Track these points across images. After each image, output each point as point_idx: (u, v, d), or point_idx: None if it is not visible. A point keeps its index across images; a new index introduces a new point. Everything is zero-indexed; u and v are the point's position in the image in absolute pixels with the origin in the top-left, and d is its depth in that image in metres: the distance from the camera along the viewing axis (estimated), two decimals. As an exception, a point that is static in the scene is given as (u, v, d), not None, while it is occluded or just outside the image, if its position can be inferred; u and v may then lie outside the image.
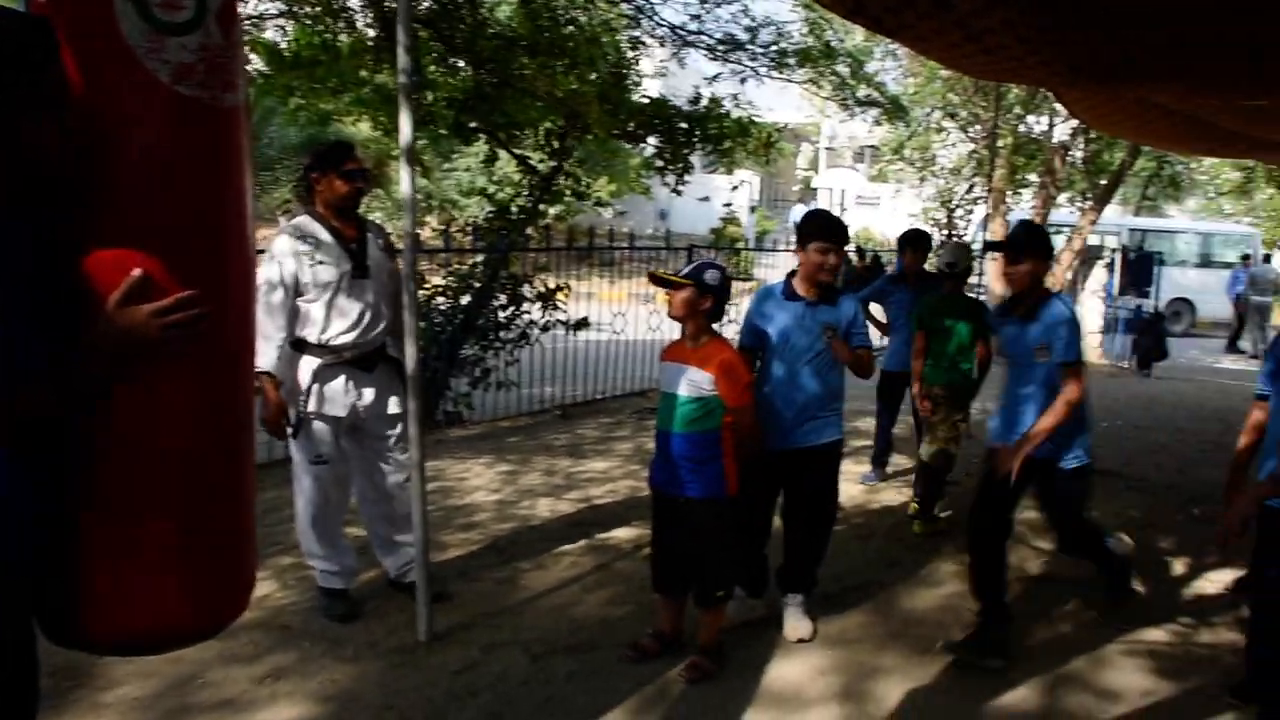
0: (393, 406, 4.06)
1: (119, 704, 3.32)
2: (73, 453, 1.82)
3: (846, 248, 4.17)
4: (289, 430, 3.89)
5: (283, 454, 6.39)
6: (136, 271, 1.74)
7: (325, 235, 3.89)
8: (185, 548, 1.90)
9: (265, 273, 3.83)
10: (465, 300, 8.52)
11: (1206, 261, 20.85)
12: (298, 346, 3.89)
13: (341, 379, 3.93)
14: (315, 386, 3.90)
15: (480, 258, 8.71)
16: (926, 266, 6.36)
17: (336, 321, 3.89)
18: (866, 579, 4.74)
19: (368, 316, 3.92)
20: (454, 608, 4.19)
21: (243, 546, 2.09)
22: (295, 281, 3.83)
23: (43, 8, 1.76)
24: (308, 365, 3.89)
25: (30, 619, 1.89)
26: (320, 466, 3.96)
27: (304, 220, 3.95)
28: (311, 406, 3.90)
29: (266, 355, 3.77)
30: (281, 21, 8.86)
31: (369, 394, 3.97)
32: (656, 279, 3.65)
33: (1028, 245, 4.02)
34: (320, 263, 3.85)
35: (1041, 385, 4.02)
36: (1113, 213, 15.05)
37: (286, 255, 3.83)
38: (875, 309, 6.58)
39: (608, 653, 3.83)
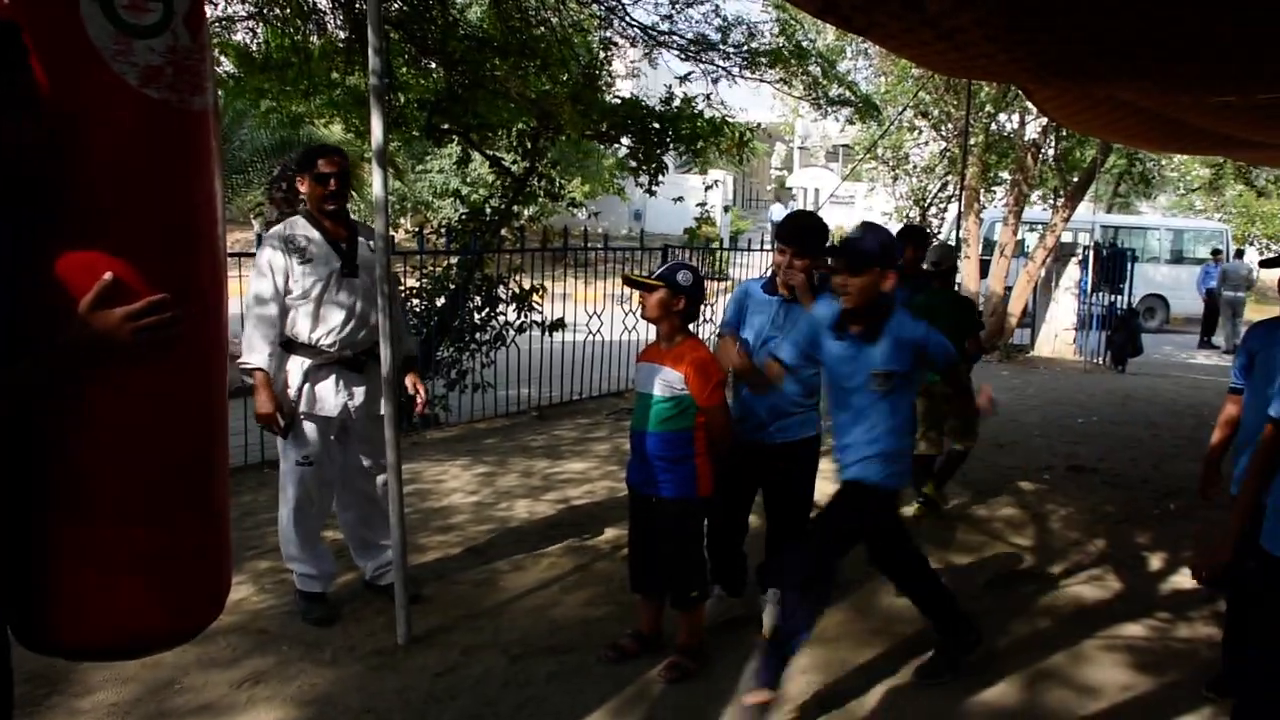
0: (382, 407, 4.05)
1: (95, 710, 3.28)
2: (43, 456, 1.80)
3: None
4: (280, 427, 3.88)
5: (259, 458, 6.36)
6: (108, 275, 1.73)
7: (315, 234, 3.92)
8: (158, 551, 1.89)
9: (256, 271, 3.87)
10: (440, 302, 8.49)
11: (1179, 258, 21.05)
12: (287, 346, 3.90)
13: (332, 379, 3.93)
14: (306, 386, 3.90)
15: (455, 259, 8.68)
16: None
17: (326, 321, 3.90)
18: (845, 578, 4.72)
19: (357, 316, 3.91)
20: (432, 610, 4.17)
21: (217, 550, 2.07)
22: (285, 279, 3.84)
23: (6, 9, 1.74)
24: (298, 365, 3.89)
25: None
26: (306, 468, 3.94)
27: (295, 220, 3.99)
28: (302, 407, 3.90)
29: (259, 352, 3.80)
30: (251, 24, 8.80)
31: (359, 393, 3.96)
32: (630, 281, 3.65)
33: (871, 254, 3.39)
34: (309, 260, 3.87)
35: (871, 412, 3.43)
36: (1085, 210, 15.18)
37: (276, 253, 3.86)
38: None
39: (587, 654, 3.82)
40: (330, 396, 3.92)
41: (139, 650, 2.06)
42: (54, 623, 1.89)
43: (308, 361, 3.90)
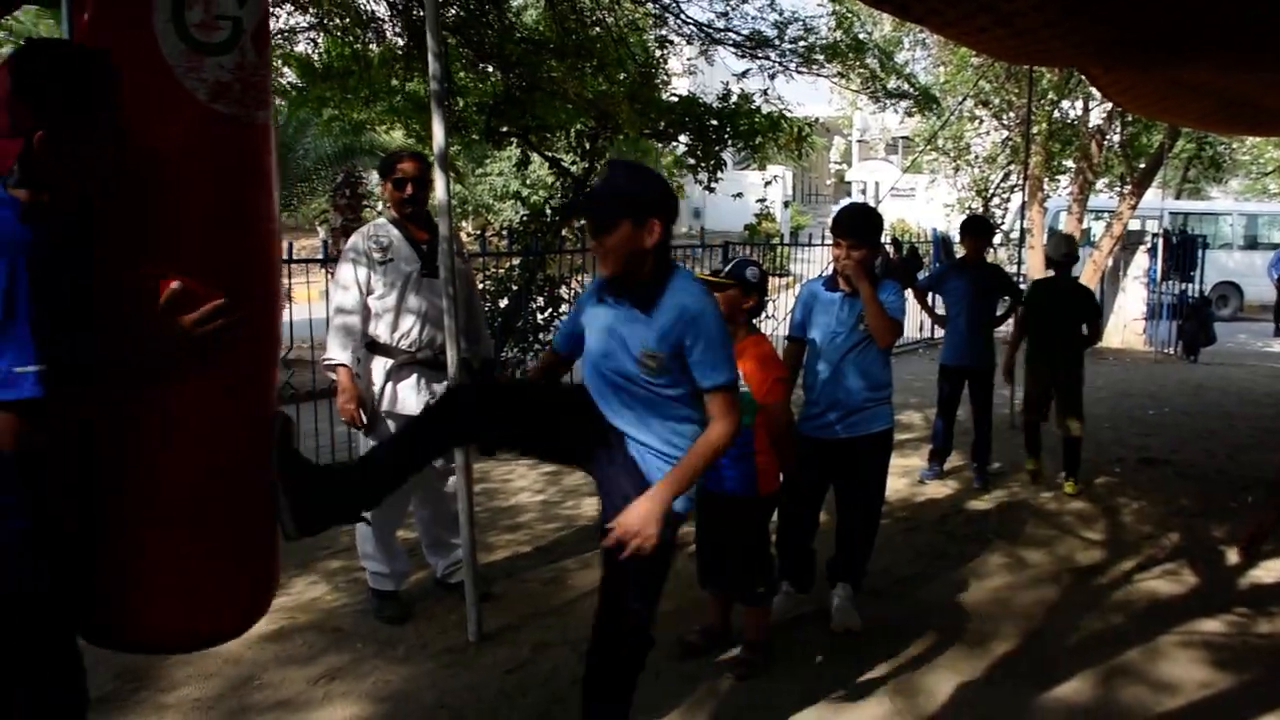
0: None
1: (180, 705, 3.38)
2: (117, 460, 1.86)
3: (884, 241, 4.14)
4: (364, 422, 3.96)
5: (330, 459, 6.47)
6: (175, 284, 1.79)
7: (397, 235, 4.02)
8: (214, 552, 1.95)
9: (340, 271, 3.99)
10: (503, 304, 8.57)
11: (1252, 243, 20.51)
12: (370, 347, 3.99)
13: (414, 378, 4.01)
14: (388, 386, 3.98)
15: (517, 261, 8.76)
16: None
17: (406, 321, 3.98)
18: (913, 572, 4.72)
19: (436, 317, 3.98)
20: (502, 608, 4.22)
21: (267, 551, 2.13)
22: (368, 279, 3.95)
23: (85, 27, 1.80)
24: (380, 365, 3.99)
25: (60, 617, 1.91)
26: None
27: (379, 222, 4.12)
28: (384, 405, 3.98)
29: (341, 348, 3.91)
30: (313, 34, 8.95)
31: (440, 392, 4.02)
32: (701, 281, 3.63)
33: (614, 202, 2.58)
34: (391, 261, 3.97)
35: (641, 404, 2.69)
36: (1153, 196, 14.85)
37: (359, 254, 3.97)
38: (927, 300, 6.60)
39: (656, 649, 3.82)
40: (412, 396, 4.00)
41: (198, 645, 2.13)
42: (131, 621, 1.95)
43: (389, 361, 3.98)
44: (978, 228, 6.43)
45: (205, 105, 1.83)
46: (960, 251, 6.79)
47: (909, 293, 4.90)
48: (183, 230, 1.85)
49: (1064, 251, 6.24)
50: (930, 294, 6.60)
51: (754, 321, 3.72)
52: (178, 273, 1.82)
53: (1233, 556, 5.02)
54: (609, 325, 2.71)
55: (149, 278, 1.81)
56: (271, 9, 8.11)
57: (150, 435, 1.87)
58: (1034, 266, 13.73)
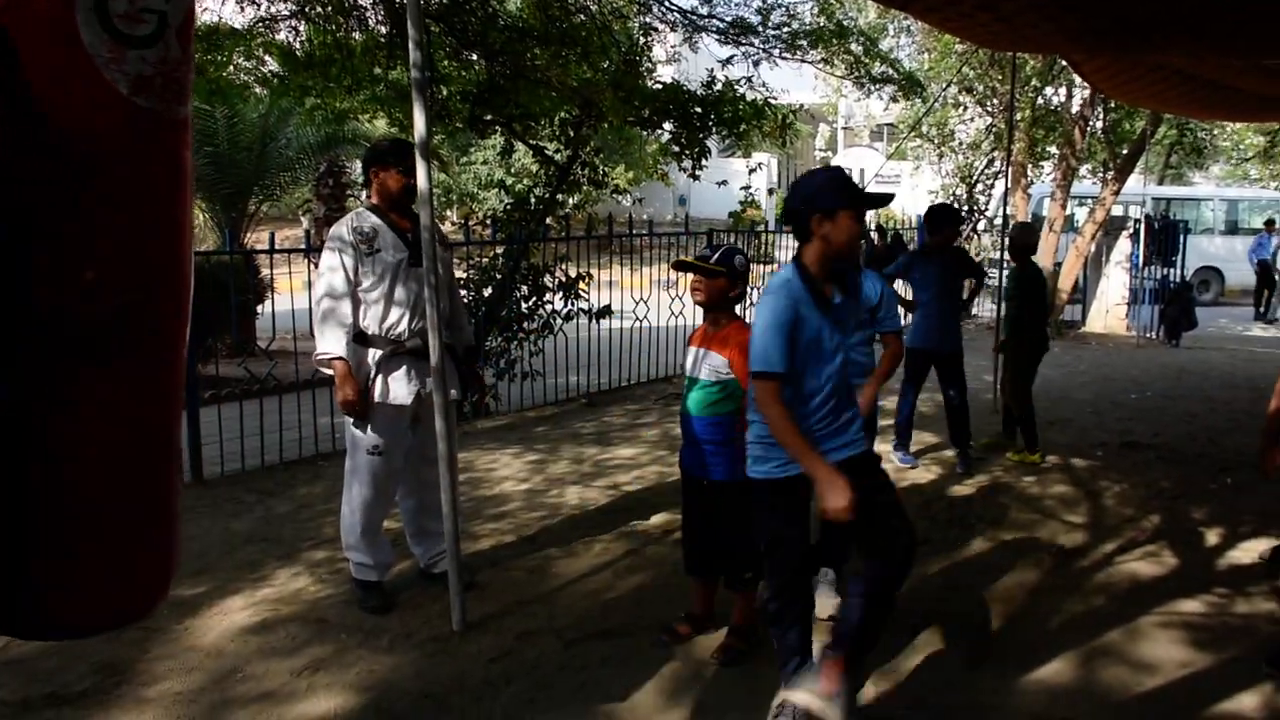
0: (451, 395, 4.12)
1: (162, 698, 3.37)
2: (22, 445, 1.87)
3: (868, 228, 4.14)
4: (365, 414, 3.96)
5: (313, 451, 6.47)
6: (90, 274, 1.79)
7: (382, 226, 4.00)
8: (115, 536, 1.96)
9: (325, 278, 3.94)
10: (487, 292, 8.55)
11: (1233, 229, 20.63)
12: (360, 339, 3.97)
13: (404, 368, 4.01)
14: (380, 377, 3.97)
15: (501, 250, 8.74)
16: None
17: (395, 311, 3.98)
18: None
19: (425, 305, 3.97)
20: (487, 597, 4.22)
21: (167, 534, 2.14)
22: (355, 271, 3.93)
23: (5, 9, 1.78)
24: (370, 356, 3.98)
25: None
26: (377, 459, 4.02)
27: (361, 213, 4.08)
28: (376, 397, 3.97)
29: (336, 341, 3.88)
30: (294, 22, 8.89)
31: (430, 383, 4.01)
32: (689, 266, 3.62)
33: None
34: (377, 252, 3.95)
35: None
36: (1135, 182, 14.89)
37: (346, 246, 3.94)
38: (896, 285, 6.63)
39: (641, 637, 3.85)
40: (403, 386, 4.00)
41: (98, 629, 2.15)
42: (42, 606, 1.96)
43: (379, 352, 3.98)
44: (939, 219, 6.49)
45: (126, 98, 1.83)
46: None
47: None
48: (97, 221, 1.85)
49: (1020, 241, 6.69)
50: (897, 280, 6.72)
51: (736, 309, 3.72)
52: (91, 262, 1.82)
53: (1212, 538, 5.07)
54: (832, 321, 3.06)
55: (63, 267, 1.81)
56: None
57: (54, 423, 1.88)
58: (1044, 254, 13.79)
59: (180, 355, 2.10)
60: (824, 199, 2.97)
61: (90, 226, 1.84)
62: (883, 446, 6.48)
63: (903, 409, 6.59)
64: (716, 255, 3.60)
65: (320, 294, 3.94)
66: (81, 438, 1.89)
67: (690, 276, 3.63)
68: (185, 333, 2.11)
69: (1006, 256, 7.00)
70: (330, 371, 3.91)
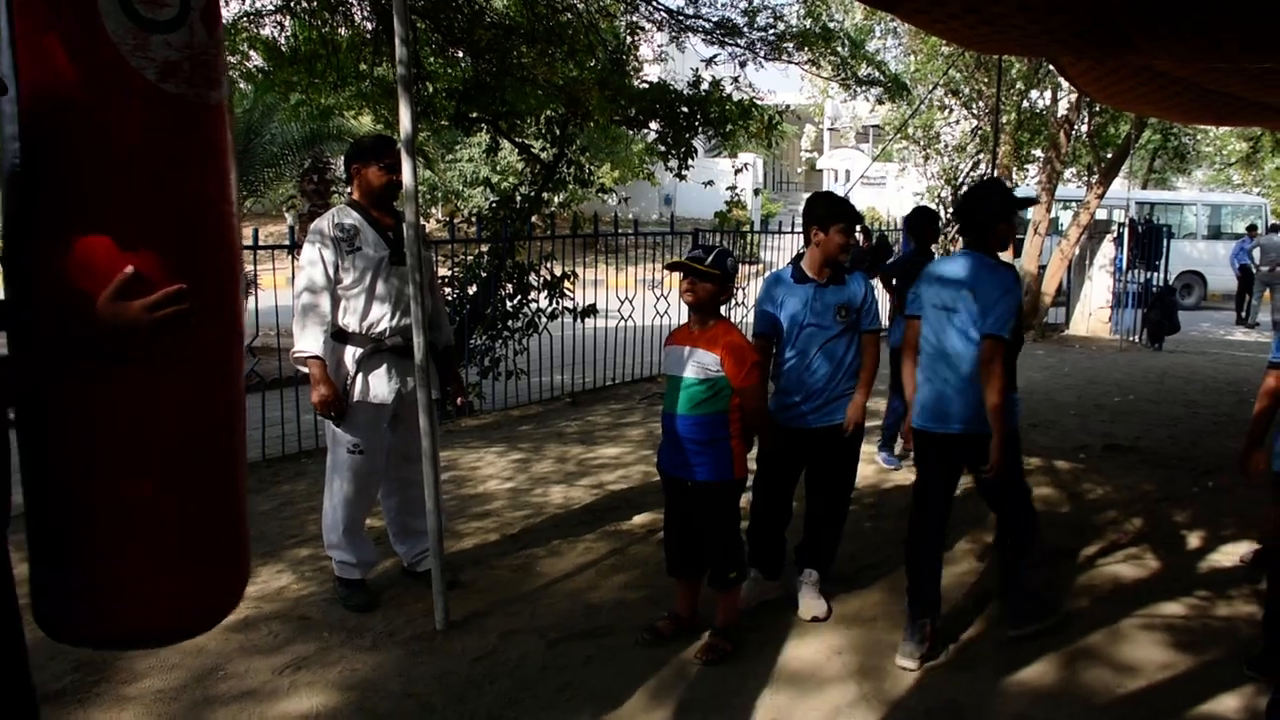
0: (434, 390, 4.10)
1: (143, 696, 3.34)
2: (63, 449, 1.83)
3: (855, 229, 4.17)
4: (340, 415, 3.93)
5: (296, 449, 6.43)
6: (129, 269, 1.75)
7: (364, 223, 3.97)
8: (182, 542, 1.91)
9: (306, 271, 3.90)
10: (472, 290, 8.53)
11: (1216, 233, 20.78)
12: (339, 336, 3.93)
13: (384, 367, 3.98)
14: (360, 375, 3.94)
15: (486, 248, 8.72)
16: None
17: (377, 309, 3.95)
18: (880, 558, 4.74)
19: (406, 303, 3.94)
20: (470, 596, 4.21)
21: (238, 540, 2.09)
22: (335, 268, 3.89)
23: (26, 2, 1.75)
24: (350, 354, 3.94)
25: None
26: (357, 456, 3.99)
27: (342, 209, 4.03)
28: (356, 395, 3.94)
29: (314, 339, 3.84)
30: (279, 17, 8.85)
31: (411, 380, 3.98)
32: (682, 266, 3.60)
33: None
34: (359, 249, 3.91)
35: None
36: (1120, 186, 14.98)
37: (326, 241, 3.90)
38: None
39: (624, 637, 3.84)
40: (384, 384, 3.97)
41: (167, 639, 2.09)
42: (83, 614, 1.91)
43: (359, 350, 3.95)
44: (919, 222, 6.61)
45: (154, 85, 1.79)
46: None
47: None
48: (133, 214, 1.81)
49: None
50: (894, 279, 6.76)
51: (722, 309, 3.72)
52: (132, 258, 1.78)
53: (1194, 541, 5.09)
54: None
55: (98, 261, 1.77)
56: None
57: (108, 426, 1.83)
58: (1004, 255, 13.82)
59: (234, 351, 2.05)
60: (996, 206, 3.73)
61: (127, 218, 1.80)
62: (868, 447, 6.50)
63: (892, 412, 6.60)
64: (711, 257, 3.59)
65: (300, 288, 3.90)
66: (122, 440, 1.84)
67: (680, 276, 3.63)
68: (239, 327, 2.07)
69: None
70: (307, 369, 3.88)
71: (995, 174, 11.68)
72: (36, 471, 1.85)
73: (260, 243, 6.73)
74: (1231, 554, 4.85)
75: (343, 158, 4.24)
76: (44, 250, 1.76)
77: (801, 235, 4.14)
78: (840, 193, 4.56)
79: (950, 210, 15.97)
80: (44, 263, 1.76)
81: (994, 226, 3.69)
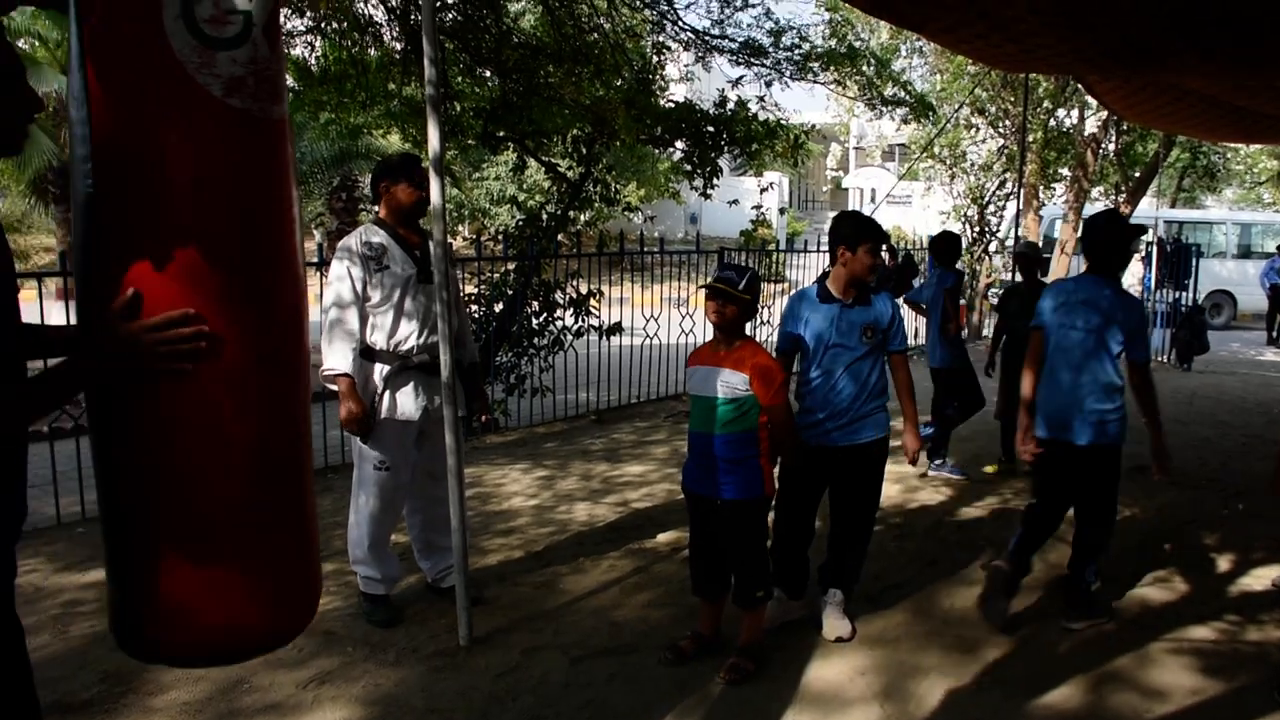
0: (460, 408, 4.12)
1: (169, 708, 3.37)
2: (131, 462, 1.84)
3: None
4: (367, 432, 3.95)
5: (321, 464, 6.47)
6: (130, 290, 1.75)
7: (391, 241, 3.99)
8: (257, 554, 1.92)
9: (334, 287, 3.93)
10: (498, 308, 8.57)
11: (1246, 252, 20.57)
12: (366, 354, 3.96)
13: (412, 384, 4.00)
14: (387, 392, 3.97)
15: (512, 265, 8.77)
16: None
17: (404, 326, 3.97)
18: (905, 578, 4.72)
19: (433, 321, 3.97)
20: (494, 612, 4.22)
21: (310, 550, 2.10)
22: (364, 286, 3.92)
23: (94, 27, 1.79)
24: (378, 371, 3.97)
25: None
26: (384, 473, 4.01)
27: (369, 228, 4.06)
28: (383, 412, 3.96)
29: (342, 357, 3.87)
30: (310, 38, 8.97)
31: (437, 399, 4.01)
32: (713, 290, 3.60)
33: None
34: (386, 268, 3.94)
35: None
36: (1148, 205, 14.89)
37: (355, 259, 3.93)
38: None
39: (647, 655, 3.84)
40: (411, 401, 4.00)
41: (244, 653, 2.08)
42: (156, 630, 1.91)
43: (387, 368, 3.97)
44: (943, 245, 6.94)
45: (220, 101, 1.82)
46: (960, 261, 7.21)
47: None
48: (204, 230, 1.83)
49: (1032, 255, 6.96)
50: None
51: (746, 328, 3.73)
52: (201, 273, 1.80)
53: (1223, 564, 5.03)
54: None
55: (160, 281, 1.79)
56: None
57: (170, 437, 1.84)
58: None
59: (300, 368, 2.06)
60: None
61: (198, 234, 1.82)
62: (899, 467, 6.47)
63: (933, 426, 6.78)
64: (744, 281, 3.59)
65: (328, 303, 3.94)
66: (182, 454, 1.85)
67: (705, 296, 3.63)
68: (303, 346, 2.08)
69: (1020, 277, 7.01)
70: (335, 387, 3.91)
71: (1022, 193, 11.64)
72: (111, 484, 1.86)
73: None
74: (1262, 577, 4.79)
75: (370, 176, 4.27)
76: (115, 271, 1.79)
77: (826, 254, 4.13)
78: (866, 212, 4.56)
79: (975, 229, 15.93)
80: (115, 283, 1.78)
81: (1119, 253, 4.14)
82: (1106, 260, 4.13)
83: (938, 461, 6.75)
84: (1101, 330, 4.02)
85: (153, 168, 1.78)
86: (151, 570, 1.86)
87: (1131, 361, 4.07)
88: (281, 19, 2.03)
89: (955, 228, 16.50)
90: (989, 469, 6.90)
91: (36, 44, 13.97)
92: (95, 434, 1.86)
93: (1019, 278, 7.01)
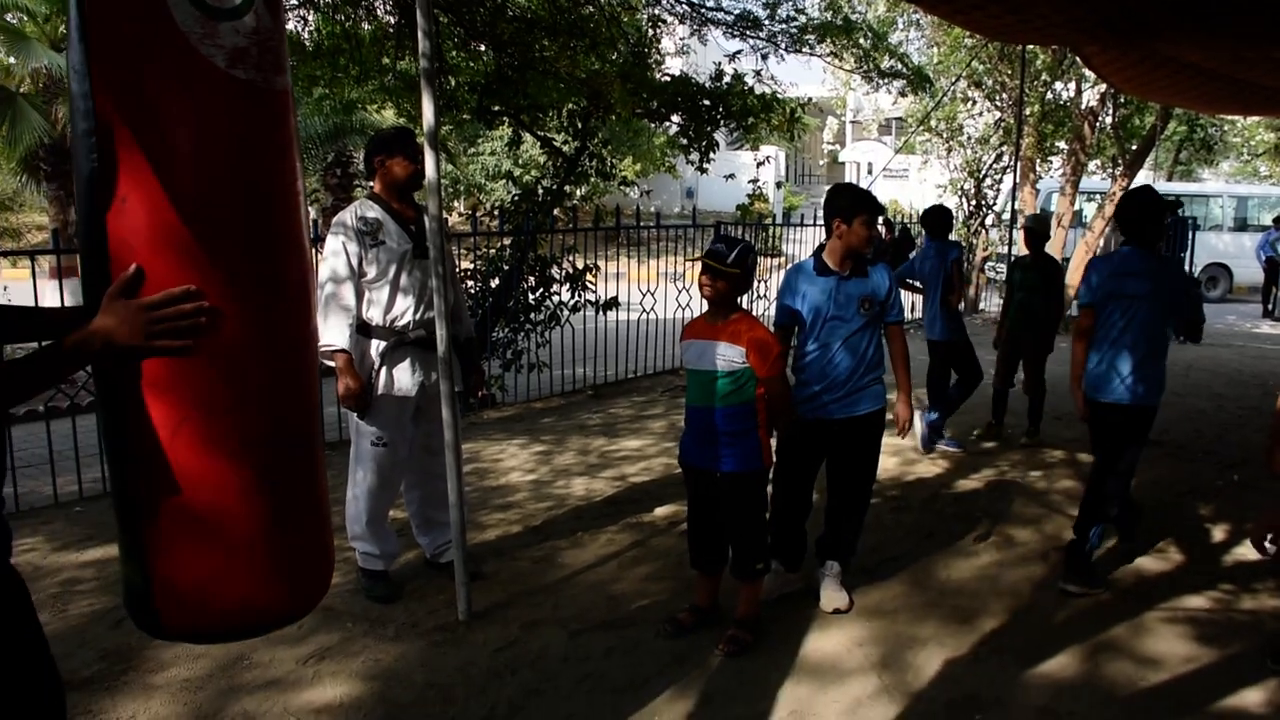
0: (456, 383, 4.11)
1: (169, 685, 3.38)
2: (142, 440, 1.83)
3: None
4: (365, 408, 3.95)
5: (327, 439, 6.47)
6: (133, 267, 1.74)
7: (386, 216, 3.97)
8: (269, 530, 1.92)
9: (329, 261, 3.92)
10: (494, 283, 8.56)
11: (1242, 225, 20.55)
12: (363, 330, 3.95)
13: (408, 360, 4.00)
14: (383, 368, 3.96)
15: (508, 241, 8.74)
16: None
17: (400, 302, 3.96)
18: (902, 550, 4.74)
19: (429, 297, 3.95)
20: (492, 587, 4.23)
21: (322, 525, 2.10)
22: (359, 262, 3.90)
23: (96, 2, 1.76)
24: (374, 347, 3.96)
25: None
26: (381, 449, 4.01)
27: (364, 202, 4.03)
28: (380, 389, 3.96)
29: (339, 332, 3.85)
30: (302, 11, 8.89)
31: (434, 374, 4.00)
32: (709, 267, 3.59)
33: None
34: (382, 243, 3.92)
35: None
36: (1145, 178, 14.86)
37: (350, 233, 3.91)
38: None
39: (645, 628, 3.86)
40: (407, 377, 3.99)
41: (258, 629, 2.08)
42: (170, 605, 1.91)
43: (383, 343, 3.96)
44: (933, 219, 6.97)
45: (224, 71, 1.80)
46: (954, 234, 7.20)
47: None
48: (209, 200, 1.82)
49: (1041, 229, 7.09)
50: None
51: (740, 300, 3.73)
52: (207, 244, 1.79)
53: (1218, 534, 5.06)
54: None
55: (164, 253, 1.77)
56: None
57: (173, 410, 1.83)
58: (1023, 247, 13.76)
59: (309, 342, 2.05)
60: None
61: (203, 204, 1.81)
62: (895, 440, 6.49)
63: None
64: (732, 255, 3.57)
65: (324, 279, 3.92)
66: (185, 431, 1.84)
67: (698, 269, 3.63)
68: (310, 320, 2.06)
69: (1018, 249, 7.04)
70: (333, 363, 3.90)
71: (1018, 166, 11.61)
72: (121, 465, 1.86)
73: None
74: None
75: (363, 151, 4.24)
76: (119, 243, 1.77)
77: (823, 227, 4.12)
78: (863, 186, 4.55)
79: (972, 203, 15.90)
80: (118, 260, 1.77)
81: (1155, 227, 4.32)
82: (1142, 232, 4.29)
83: (947, 435, 6.79)
84: (1151, 297, 4.22)
85: (156, 141, 1.76)
86: (162, 549, 1.86)
87: (1179, 320, 4.35)
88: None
89: (952, 201, 16.46)
90: (977, 433, 7.02)
91: (25, 19, 13.85)
92: (104, 415, 1.85)
93: (1022, 251, 7.03)
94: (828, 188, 4.80)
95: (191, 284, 1.77)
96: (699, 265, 3.62)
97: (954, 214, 7.38)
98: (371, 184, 4.12)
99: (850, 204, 3.95)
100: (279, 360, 1.93)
